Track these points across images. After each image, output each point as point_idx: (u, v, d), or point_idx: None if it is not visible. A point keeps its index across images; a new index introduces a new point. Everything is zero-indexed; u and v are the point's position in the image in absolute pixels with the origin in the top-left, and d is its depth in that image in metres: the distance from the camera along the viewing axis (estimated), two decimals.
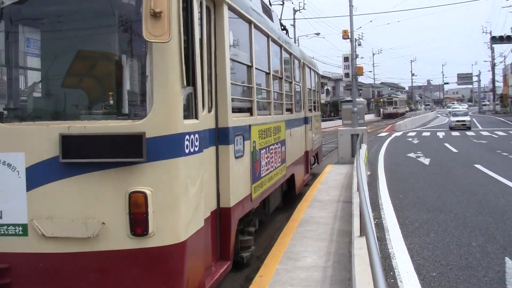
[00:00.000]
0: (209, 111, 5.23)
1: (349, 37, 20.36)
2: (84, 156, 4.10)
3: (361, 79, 52.40)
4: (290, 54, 10.70)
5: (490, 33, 72.85)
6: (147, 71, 4.18)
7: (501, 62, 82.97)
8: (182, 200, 4.32)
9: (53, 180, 4.15)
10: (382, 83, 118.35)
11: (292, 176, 10.42)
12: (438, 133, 37.40)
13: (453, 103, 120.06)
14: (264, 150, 7.51)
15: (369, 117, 77.00)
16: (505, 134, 34.07)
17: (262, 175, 7.31)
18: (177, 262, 4.28)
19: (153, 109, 4.13)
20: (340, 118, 24.95)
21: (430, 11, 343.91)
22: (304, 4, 50.97)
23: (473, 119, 60.48)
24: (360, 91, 51.62)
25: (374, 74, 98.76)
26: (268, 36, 8.30)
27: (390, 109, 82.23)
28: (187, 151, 4.43)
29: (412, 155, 21.57)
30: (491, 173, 15.08)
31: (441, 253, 7.34)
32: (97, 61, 5.09)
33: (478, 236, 8.22)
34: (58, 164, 4.10)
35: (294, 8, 50.74)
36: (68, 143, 4.08)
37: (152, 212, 4.12)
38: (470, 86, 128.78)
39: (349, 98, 71.14)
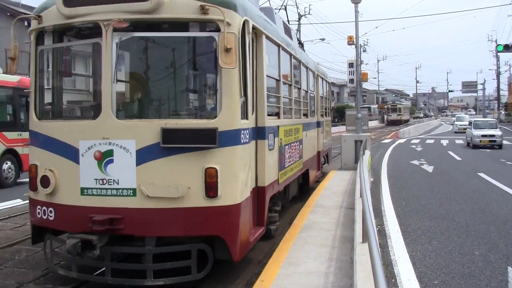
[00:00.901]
0: (252, 114, 6.97)
1: (354, 43, 20.32)
2: (177, 143, 5.94)
3: (365, 85, 52.42)
4: (307, 67, 12.49)
5: (496, 41, 72.63)
6: (218, 86, 6.16)
7: (506, 71, 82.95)
8: (239, 175, 6.23)
9: (155, 158, 5.94)
10: (386, 89, 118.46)
11: (307, 171, 12.21)
12: (442, 141, 37.35)
13: (452, 112, 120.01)
14: (287, 146, 9.32)
15: (373, 123, 77.03)
16: (510, 143, 33.97)
17: (285, 166, 9.09)
18: (235, 216, 6.14)
19: (222, 112, 6.08)
20: (344, 124, 24.89)
21: (435, 18, 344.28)
22: (309, 9, 51.03)
23: None
24: (365, 98, 51.61)
25: (378, 81, 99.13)
26: (290, 54, 10.07)
27: (394, 116, 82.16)
28: (242, 141, 6.33)
29: (415, 162, 21.55)
30: (494, 182, 15.05)
31: (444, 261, 7.32)
32: (185, 78, 7.39)
33: (480, 244, 8.20)
34: (159, 148, 5.91)
35: (299, 13, 50.80)
36: (166, 133, 5.89)
37: (220, 182, 5.94)
38: (475, 94, 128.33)
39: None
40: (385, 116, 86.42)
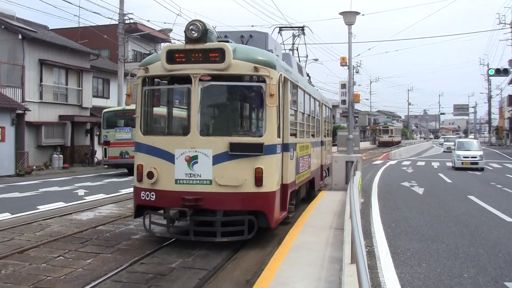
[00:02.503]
0: (281, 135, 9.98)
1: (347, 64, 20.42)
2: (238, 151, 9.06)
3: (357, 106, 52.60)
4: (314, 98, 15.54)
5: (487, 65, 73.32)
6: (264, 117, 9.48)
7: (497, 95, 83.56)
8: (275, 173, 9.42)
9: (224, 161, 9.07)
10: (378, 111, 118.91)
11: (313, 179, 15.24)
12: (433, 163, 37.48)
13: (443, 134, 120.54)
14: (301, 158, 12.51)
15: (364, 144, 77.19)
16: (500, 166, 34.16)
17: (300, 171, 12.23)
18: (272, 199, 9.28)
19: (266, 133, 9.31)
20: (336, 145, 24.93)
21: (429, 41, 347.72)
22: (303, 30, 51.18)
23: None
24: (357, 119, 51.72)
25: (370, 102, 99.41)
26: (303, 90, 13.15)
27: (385, 138, 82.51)
28: (276, 152, 9.56)
29: (406, 184, 21.59)
30: (484, 205, 15.09)
31: (432, 284, 7.30)
32: (243, 109, 11.76)
33: (469, 267, 8.19)
34: (227, 154, 9.05)
35: (293, 33, 51.10)
36: (232, 145, 9.04)
37: (264, 176, 9.05)
38: (466, 117, 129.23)
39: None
40: (377, 137, 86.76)
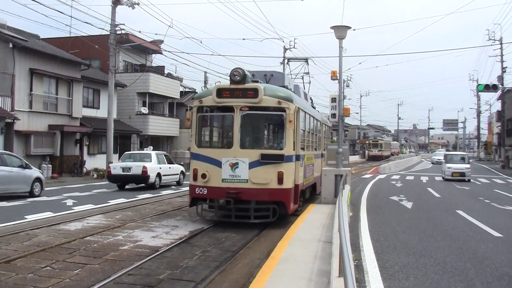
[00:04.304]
0: (295, 148, 13.72)
1: (338, 78, 20.50)
2: (267, 159, 12.88)
3: (347, 120, 52.88)
4: (316, 119, 19.18)
5: (477, 81, 73.72)
6: (284, 135, 13.34)
7: (486, 110, 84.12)
8: (291, 175, 13.35)
9: (257, 166, 12.87)
10: (368, 125, 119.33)
11: (315, 183, 18.87)
12: (422, 178, 37.63)
13: (432, 148, 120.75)
14: (307, 166, 16.38)
15: (354, 158, 77.39)
16: (488, 181, 34.37)
17: (306, 176, 16.15)
18: (289, 193, 13.21)
19: (285, 147, 13.21)
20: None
21: (419, 56, 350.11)
22: (294, 43, 51.67)
23: None
24: (347, 132, 51.88)
25: (360, 116, 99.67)
26: (310, 115, 17.10)
27: (375, 152, 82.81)
28: (292, 160, 13.43)
29: (395, 198, 21.66)
30: (472, 220, 15.17)
31: None
32: (270, 130, 15.62)
33: (457, 282, 8.21)
34: (259, 162, 12.85)
35: (284, 46, 51.44)
36: (262, 155, 12.89)
37: (284, 177, 12.87)
38: (456, 132, 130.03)
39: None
40: (366, 151, 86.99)
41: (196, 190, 13.31)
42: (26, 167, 20.09)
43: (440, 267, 9.15)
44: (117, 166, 24.78)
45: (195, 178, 13.36)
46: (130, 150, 36.77)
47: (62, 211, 15.68)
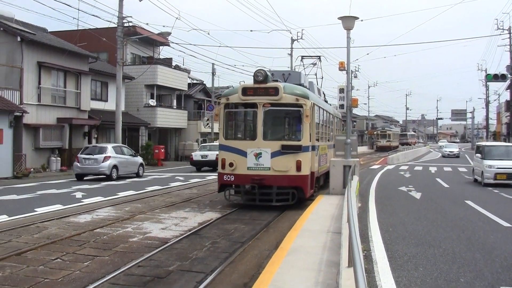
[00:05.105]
0: (311, 139, 15.34)
1: (345, 68, 20.42)
2: (287, 149, 14.60)
3: (355, 111, 52.58)
4: (328, 113, 21.14)
5: (485, 70, 73.06)
6: (302, 129, 15.02)
7: (495, 100, 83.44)
8: (308, 163, 15.06)
9: (278, 156, 14.56)
10: (376, 115, 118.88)
11: (328, 171, 18.98)
12: (430, 168, 37.52)
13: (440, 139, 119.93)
14: (321, 155, 18.07)
15: (362, 149, 77.23)
16: None
17: (321, 164, 17.85)
18: (307, 179, 14.93)
19: (303, 139, 14.92)
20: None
21: (427, 46, 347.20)
22: (302, 34, 51.41)
23: (466, 155, 60.83)
24: (355, 123, 51.70)
25: (368, 107, 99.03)
26: (323, 109, 18.99)
27: (383, 142, 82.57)
28: (308, 150, 15.12)
29: (403, 188, 21.62)
30: (481, 210, 15.12)
31: None
32: (289, 124, 16.22)
33: (466, 272, 8.20)
34: (280, 152, 14.56)
35: (292, 37, 51.28)
36: (283, 146, 14.65)
37: (302, 165, 14.57)
38: (464, 122, 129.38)
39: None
40: (375, 142, 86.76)
41: (224, 177, 15.04)
42: (134, 155, 27.71)
43: (449, 258, 9.14)
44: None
45: (223, 166, 15.03)
46: (138, 143, 36.85)
47: (71, 204, 15.81)
